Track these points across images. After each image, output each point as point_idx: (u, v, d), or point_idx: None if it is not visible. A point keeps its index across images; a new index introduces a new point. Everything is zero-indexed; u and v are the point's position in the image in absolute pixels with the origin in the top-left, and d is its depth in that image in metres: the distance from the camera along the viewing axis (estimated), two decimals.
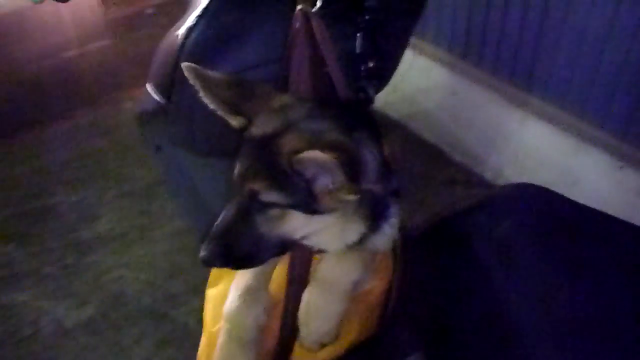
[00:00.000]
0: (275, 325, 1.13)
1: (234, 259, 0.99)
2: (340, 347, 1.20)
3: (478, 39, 2.57)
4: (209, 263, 0.99)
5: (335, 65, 1.19)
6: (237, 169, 0.98)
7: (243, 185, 0.97)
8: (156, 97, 1.39)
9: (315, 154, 0.85)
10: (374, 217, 1.10)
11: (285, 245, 1.03)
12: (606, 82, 2.09)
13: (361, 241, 1.10)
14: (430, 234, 1.20)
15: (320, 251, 1.10)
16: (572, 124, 2.26)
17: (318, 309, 1.07)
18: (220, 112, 1.04)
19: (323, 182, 0.93)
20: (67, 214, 2.64)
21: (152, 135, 1.56)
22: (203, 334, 1.19)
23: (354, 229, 1.07)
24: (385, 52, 1.32)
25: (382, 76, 1.39)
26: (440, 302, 1.11)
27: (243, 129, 1.03)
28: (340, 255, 1.09)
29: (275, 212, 0.97)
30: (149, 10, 4.28)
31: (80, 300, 2.18)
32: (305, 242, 1.04)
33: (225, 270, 1.22)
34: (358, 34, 1.25)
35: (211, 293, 1.22)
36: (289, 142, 0.94)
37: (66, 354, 1.97)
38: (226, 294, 1.15)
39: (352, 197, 0.93)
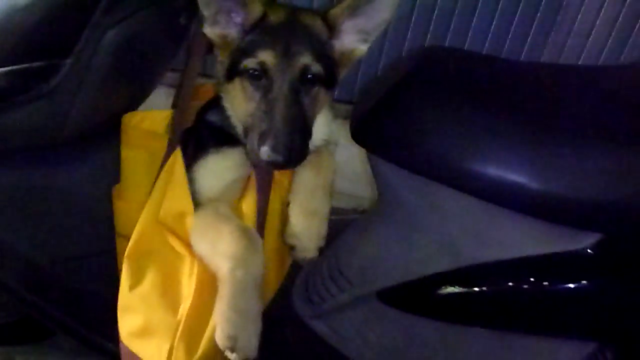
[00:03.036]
0: None
1: (295, 154, 1.00)
2: (283, 271, 1.31)
3: None
4: (283, 163, 0.98)
5: None
6: (273, 54, 1.02)
7: (290, 65, 1.02)
8: (19, 66, 1.10)
9: None
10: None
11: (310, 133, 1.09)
12: None
13: (323, 143, 1.21)
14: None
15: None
16: None
17: (313, 210, 1.11)
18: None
19: (346, 39, 1.11)
20: None
21: None
22: (162, 335, 1.04)
23: (328, 126, 1.21)
24: None
25: None
26: None
27: (259, 19, 1.07)
28: (311, 159, 1.11)
29: (315, 90, 1.07)
30: None
31: None
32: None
33: (147, 259, 1.11)
34: None
35: (143, 289, 1.09)
36: (310, 17, 1.10)
37: None
38: (162, 280, 1.07)
39: (361, 52, 1.13)
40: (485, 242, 1.08)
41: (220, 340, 0.96)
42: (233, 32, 1.09)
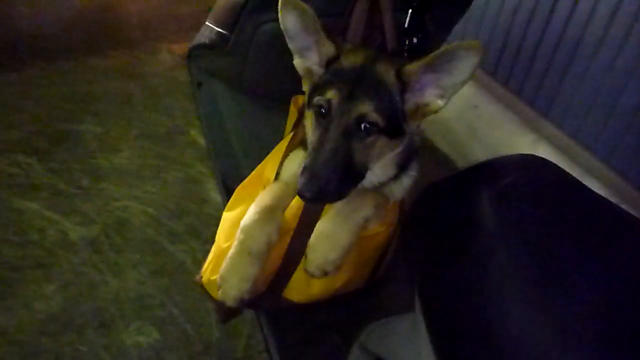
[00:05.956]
0: (280, 253, 1.25)
1: (327, 194, 1.03)
2: (332, 285, 1.31)
3: (509, 61, 2.69)
4: (311, 199, 1.02)
5: (390, 22, 1.37)
6: (337, 95, 1.07)
7: (348, 109, 1.06)
8: (219, 29, 1.76)
9: (450, 46, 1.00)
10: (402, 166, 1.25)
11: (361, 177, 1.12)
12: (619, 123, 2.20)
13: (381, 185, 1.25)
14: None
15: None
16: (580, 156, 2.37)
17: (329, 235, 1.16)
18: (315, 37, 1.14)
19: (424, 92, 1.10)
20: (90, 141, 2.77)
21: (196, 72, 1.81)
22: (213, 249, 1.31)
23: (388, 171, 1.22)
24: (429, 33, 1.44)
25: (421, 52, 1.51)
26: (434, 261, 1.03)
27: (331, 59, 1.14)
28: (357, 192, 1.18)
29: (370, 139, 1.08)
30: None
31: (88, 219, 2.31)
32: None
33: (244, 196, 1.35)
34: (410, 10, 1.40)
35: (228, 215, 1.35)
36: (384, 67, 1.11)
37: (67, 263, 2.09)
38: (242, 216, 1.26)
39: (437, 107, 1.10)
40: None
41: (219, 275, 1.17)
42: (317, 69, 1.17)
